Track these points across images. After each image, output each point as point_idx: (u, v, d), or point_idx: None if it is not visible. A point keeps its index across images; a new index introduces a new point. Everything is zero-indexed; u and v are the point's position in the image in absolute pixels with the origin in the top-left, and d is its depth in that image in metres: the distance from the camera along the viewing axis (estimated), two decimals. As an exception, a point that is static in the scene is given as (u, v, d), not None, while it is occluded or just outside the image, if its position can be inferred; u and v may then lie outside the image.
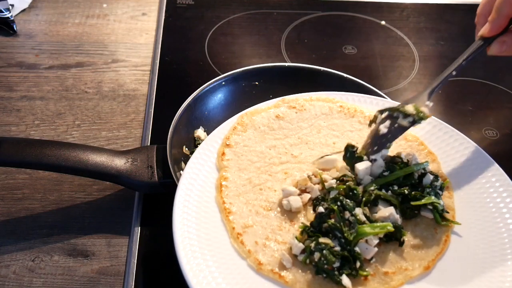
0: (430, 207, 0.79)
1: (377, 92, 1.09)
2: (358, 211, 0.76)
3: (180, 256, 0.72)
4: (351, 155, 0.84)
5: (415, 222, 0.80)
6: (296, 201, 0.80)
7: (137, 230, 0.91)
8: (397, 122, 0.84)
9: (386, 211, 0.77)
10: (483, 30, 0.90)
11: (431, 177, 0.81)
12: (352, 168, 0.83)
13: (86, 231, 0.92)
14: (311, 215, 0.80)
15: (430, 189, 0.80)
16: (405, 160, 0.83)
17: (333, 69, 1.13)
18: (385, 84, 1.27)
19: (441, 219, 0.79)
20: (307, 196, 0.81)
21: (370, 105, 0.98)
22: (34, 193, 0.98)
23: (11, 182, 0.99)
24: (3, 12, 1.31)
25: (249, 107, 1.12)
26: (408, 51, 1.40)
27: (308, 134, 0.94)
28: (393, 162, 0.83)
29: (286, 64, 1.16)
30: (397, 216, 0.77)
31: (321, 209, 0.76)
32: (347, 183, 0.80)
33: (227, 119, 1.10)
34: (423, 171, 0.82)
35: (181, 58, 1.30)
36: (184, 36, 1.37)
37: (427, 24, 1.49)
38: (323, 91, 1.13)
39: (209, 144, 0.89)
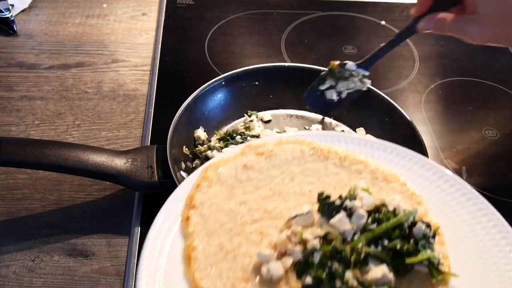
0: (426, 262, 0.71)
1: (377, 92, 1.09)
2: (349, 275, 0.69)
3: None
4: (327, 207, 0.75)
5: (409, 279, 0.72)
6: (277, 269, 0.71)
7: (137, 230, 0.91)
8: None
9: (378, 271, 0.69)
10: (412, 10, 0.95)
11: (423, 226, 0.72)
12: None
13: (86, 231, 0.92)
14: (295, 283, 0.71)
15: (424, 240, 0.72)
16: (391, 209, 0.74)
17: (333, 69, 1.13)
18: (385, 84, 1.27)
19: (436, 272, 0.71)
20: (288, 261, 0.72)
21: (344, 144, 0.89)
22: (34, 193, 0.98)
23: (11, 182, 0.99)
24: (3, 12, 1.31)
25: (249, 107, 1.12)
26: (408, 51, 1.40)
27: (280, 183, 0.83)
28: (379, 212, 0.74)
29: (286, 64, 1.16)
30: (391, 276, 0.70)
31: (308, 280, 0.69)
32: (332, 243, 0.72)
33: (227, 120, 1.11)
34: (413, 220, 0.73)
35: (181, 58, 1.30)
36: (184, 36, 1.37)
37: (427, 24, 1.49)
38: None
39: (171, 207, 0.77)
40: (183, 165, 0.98)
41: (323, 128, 1.11)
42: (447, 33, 0.92)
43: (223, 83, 1.08)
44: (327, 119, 1.13)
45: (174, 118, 0.98)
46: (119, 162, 0.90)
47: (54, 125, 1.11)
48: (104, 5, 1.46)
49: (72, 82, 1.22)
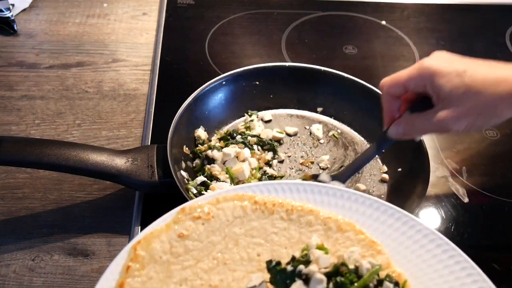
0: None
1: (378, 91, 1.09)
2: None
3: None
4: (279, 276, 0.67)
5: None
6: None
7: (137, 230, 0.91)
8: None
9: None
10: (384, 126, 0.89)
11: (391, 286, 0.66)
12: None
13: (86, 230, 0.92)
14: None
15: None
16: (351, 267, 0.67)
17: (334, 69, 1.13)
18: (385, 84, 1.27)
19: None
20: None
21: (288, 193, 0.79)
22: (34, 192, 0.98)
23: (11, 181, 0.99)
24: (4, 12, 1.31)
25: (250, 106, 1.12)
26: (409, 51, 1.40)
27: (224, 250, 0.72)
28: (339, 273, 0.66)
29: (287, 64, 1.16)
30: None
31: None
32: None
33: (227, 119, 1.11)
34: (378, 277, 0.67)
35: (182, 58, 1.30)
36: (185, 36, 1.37)
37: (428, 24, 1.49)
38: (323, 91, 1.14)
39: None
40: (183, 165, 0.98)
41: (323, 127, 1.11)
42: (422, 133, 0.89)
43: (224, 82, 1.08)
44: (327, 118, 1.13)
45: (175, 117, 0.98)
46: (119, 162, 0.90)
47: (54, 125, 1.11)
48: (105, 5, 1.46)
49: (72, 81, 1.22)
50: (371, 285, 0.65)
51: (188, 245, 0.72)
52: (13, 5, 1.37)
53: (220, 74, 1.09)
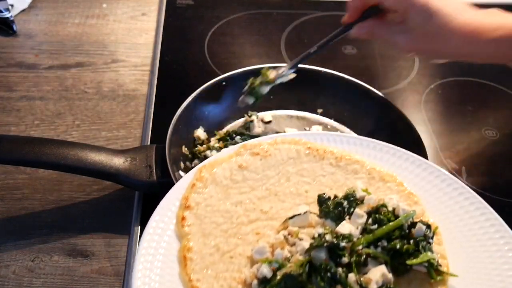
0: (425, 264, 0.70)
1: (377, 93, 1.09)
2: (351, 279, 0.68)
3: None
4: (327, 208, 0.75)
5: (408, 279, 0.71)
6: (270, 273, 0.69)
7: (137, 230, 0.91)
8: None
9: (377, 271, 0.69)
10: (344, 17, 0.98)
11: (424, 227, 0.72)
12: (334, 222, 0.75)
13: (86, 231, 0.92)
14: None
15: (424, 242, 0.71)
16: (390, 209, 0.74)
17: (333, 70, 1.13)
18: (384, 84, 1.27)
19: (435, 273, 0.70)
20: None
21: (340, 143, 0.89)
22: (34, 193, 0.98)
23: (10, 182, 0.99)
24: (3, 12, 1.30)
25: (250, 107, 1.12)
26: (408, 51, 1.39)
27: (276, 183, 0.83)
28: (378, 212, 0.74)
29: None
30: (390, 276, 0.69)
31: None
32: (331, 244, 0.69)
33: (227, 120, 1.11)
34: (412, 221, 0.74)
35: (181, 58, 1.30)
36: (184, 36, 1.37)
37: (427, 24, 1.49)
38: (323, 91, 1.14)
39: (166, 208, 0.77)
40: (182, 165, 0.98)
41: (323, 128, 1.11)
42: (378, 38, 0.95)
43: (224, 83, 1.08)
44: (328, 120, 1.13)
45: (174, 118, 0.98)
46: (118, 161, 0.90)
47: (53, 125, 1.11)
48: (104, 5, 1.46)
49: (71, 82, 1.22)
50: (405, 224, 0.72)
51: (246, 175, 0.83)
52: (12, 5, 1.37)
53: (219, 75, 1.09)
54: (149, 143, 1.06)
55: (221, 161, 0.84)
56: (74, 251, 0.89)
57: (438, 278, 0.70)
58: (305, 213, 0.75)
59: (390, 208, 0.74)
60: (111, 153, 0.91)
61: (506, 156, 1.14)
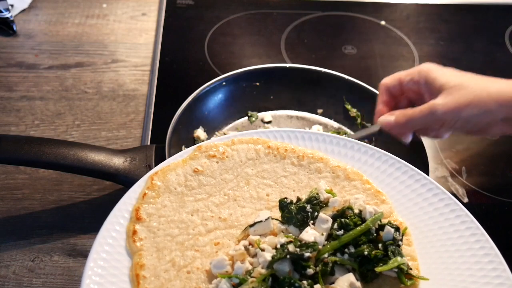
0: (396, 269, 0.67)
1: (377, 93, 1.09)
2: None
3: None
4: (288, 213, 0.71)
5: (377, 284, 0.68)
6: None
7: (137, 230, 0.91)
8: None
9: (344, 280, 0.65)
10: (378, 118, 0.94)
11: (392, 230, 0.69)
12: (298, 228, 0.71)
13: (86, 231, 0.92)
14: None
15: (393, 246, 0.68)
16: (356, 211, 0.71)
17: (333, 69, 1.13)
18: (385, 84, 1.27)
19: (406, 278, 0.67)
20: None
21: (301, 140, 0.84)
22: (34, 193, 0.98)
23: (11, 182, 0.99)
24: (3, 12, 1.30)
25: (250, 107, 1.12)
26: (408, 51, 1.40)
27: (235, 187, 0.78)
28: (344, 217, 0.70)
29: (287, 65, 1.16)
30: (358, 285, 0.66)
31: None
32: (293, 254, 0.65)
33: (227, 120, 1.11)
34: (379, 223, 0.71)
35: (181, 58, 1.30)
36: (184, 36, 1.37)
37: (427, 24, 1.49)
38: (323, 92, 1.14)
39: (115, 221, 0.70)
40: (182, 165, 0.98)
41: (323, 128, 1.11)
42: (411, 124, 0.89)
43: (224, 83, 1.08)
44: (327, 120, 1.13)
45: (173, 118, 0.98)
46: (118, 161, 0.90)
47: (53, 125, 1.11)
48: (104, 5, 1.46)
49: (71, 82, 1.22)
50: (373, 228, 0.69)
51: (202, 180, 0.77)
52: (12, 5, 1.37)
53: (219, 75, 1.09)
54: (149, 143, 1.06)
55: (174, 166, 0.78)
56: (74, 251, 0.89)
57: (409, 283, 0.67)
58: (266, 219, 0.70)
59: (356, 211, 0.71)
60: (111, 153, 0.91)
61: (506, 156, 1.14)
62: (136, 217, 0.71)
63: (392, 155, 0.81)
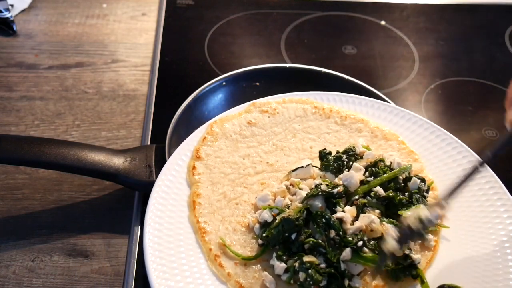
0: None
1: (377, 93, 1.09)
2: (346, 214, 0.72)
3: (154, 285, 0.68)
4: (327, 162, 0.81)
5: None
6: (270, 217, 0.74)
7: (137, 230, 0.91)
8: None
9: (366, 218, 0.73)
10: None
11: (418, 181, 0.77)
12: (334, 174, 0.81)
13: (86, 231, 0.92)
14: None
15: (418, 194, 0.76)
16: (387, 163, 0.80)
17: (333, 69, 1.13)
18: (384, 84, 1.27)
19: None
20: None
21: (346, 104, 0.95)
22: (34, 193, 0.98)
23: (11, 182, 0.99)
24: (3, 12, 1.30)
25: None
26: (408, 51, 1.40)
27: (283, 139, 0.90)
28: (376, 167, 0.79)
29: (287, 65, 1.16)
30: (377, 221, 0.72)
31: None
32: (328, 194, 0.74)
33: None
34: (407, 175, 0.78)
35: (181, 58, 1.30)
36: (184, 36, 1.37)
37: (427, 24, 1.49)
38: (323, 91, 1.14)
39: (178, 158, 0.84)
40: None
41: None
42: None
43: (224, 83, 1.08)
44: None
45: (173, 118, 0.98)
46: (118, 161, 0.90)
47: (53, 125, 1.11)
48: (104, 5, 1.46)
49: (71, 82, 1.22)
50: (400, 178, 0.77)
51: (254, 131, 0.90)
52: (12, 5, 1.37)
53: (219, 75, 1.09)
54: (149, 143, 1.06)
55: (231, 117, 0.91)
56: (74, 251, 0.89)
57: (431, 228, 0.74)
58: (307, 166, 0.81)
59: (387, 163, 0.80)
60: (111, 153, 0.91)
61: (506, 156, 1.14)
62: (196, 156, 0.84)
63: (428, 120, 0.91)
